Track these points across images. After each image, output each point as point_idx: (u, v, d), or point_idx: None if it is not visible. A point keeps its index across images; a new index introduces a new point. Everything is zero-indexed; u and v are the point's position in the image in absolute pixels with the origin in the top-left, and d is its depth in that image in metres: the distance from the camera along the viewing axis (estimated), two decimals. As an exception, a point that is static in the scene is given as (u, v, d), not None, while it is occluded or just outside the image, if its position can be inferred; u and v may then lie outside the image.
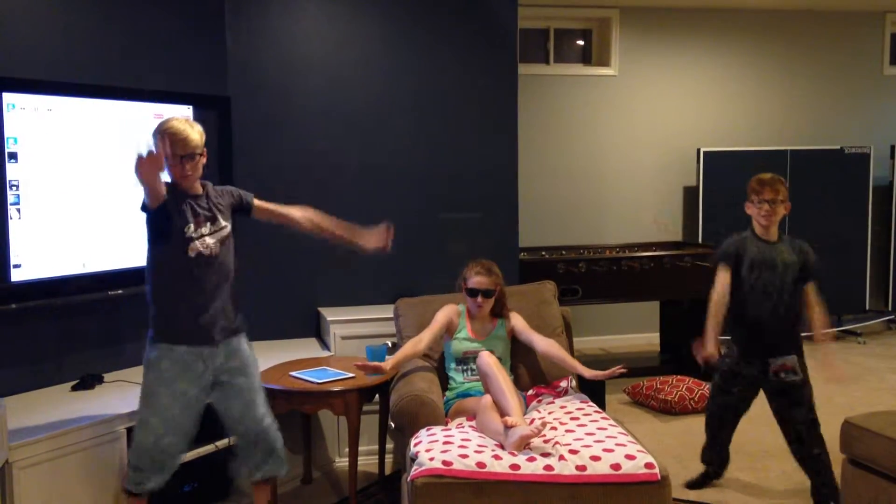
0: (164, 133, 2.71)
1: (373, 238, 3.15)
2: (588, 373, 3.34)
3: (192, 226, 2.77)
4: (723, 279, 3.38)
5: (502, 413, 2.94)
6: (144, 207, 2.70)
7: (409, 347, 3.41)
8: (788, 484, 3.74)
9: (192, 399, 2.81)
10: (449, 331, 3.52)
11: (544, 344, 3.47)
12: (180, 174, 2.78)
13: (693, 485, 3.68)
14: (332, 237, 3.14)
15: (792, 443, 3.43)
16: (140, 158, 2.52)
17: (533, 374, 3.61)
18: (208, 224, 2.82)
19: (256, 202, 3.04)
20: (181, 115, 2.88)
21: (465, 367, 3.46)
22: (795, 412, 3.37)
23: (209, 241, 2.80)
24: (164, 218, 2.73)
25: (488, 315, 3.53)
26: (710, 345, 3.32)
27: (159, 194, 2.65)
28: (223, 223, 2.87)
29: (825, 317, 3.38)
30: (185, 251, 2.75)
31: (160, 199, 2.66)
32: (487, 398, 3.07)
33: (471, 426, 3.04)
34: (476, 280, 3.45)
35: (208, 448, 3.24)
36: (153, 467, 2.77)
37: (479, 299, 3.45)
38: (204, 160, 2.83)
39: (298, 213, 3.13)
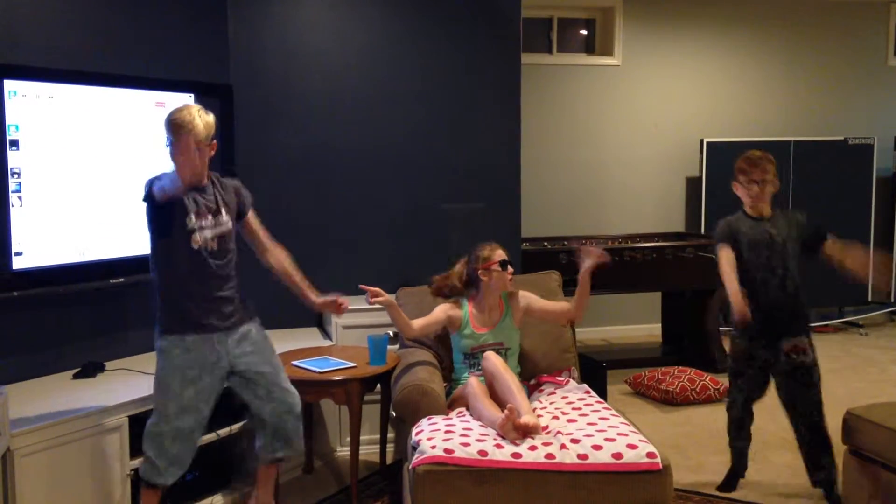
0: (171, 123, 2.69)
1: (324, 305, 3.18)
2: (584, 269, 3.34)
3: (192, 217, 2.76)
4: (727, 255, 3.32)
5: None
6: (148, 199, 2.70)
7: (406, 318, 3.39)
8: (792, 476, 3.73)
9: (206, 386, 2.82)
10: (452, 327, 3.48)
11: (563, 307, 3.48)
12: (182, 164, 2.73)
13: (724, 487, 3.57)
14: (290, 285, 3.11)
15: (801, 425, 3.38)
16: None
17: (534, 364, 3.60)
18: (210, 217, 2.82)
19: (249, 216, 3.02)
20: (194, 104, 2.83)
21: (472, 362, 3.40)
22: (807, 393, 3.33)
23: (208, 234, 2.80)
24: (167, 211, 2.73)
25: (497, 299, 3.46)
26: (739, 301, 3.18)
27: (179, 193, 2.68)
28: (225, 218, 2.86)
29: (861, 250, 3.26)
30: (188, 242, 2.76)
31: (176, 196, 2.69)
32: (472, 382, 3.07)
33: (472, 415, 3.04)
34: (500, 252, 3.42)
35: (209, 437, 3.24)
36: (166, 457, 2.78)
37: (510, 269, 3.42)
38: (212, 152, 2.82)
39: (275, 252, 3.09)
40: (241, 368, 2.92)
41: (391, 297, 3.33)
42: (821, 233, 3.37)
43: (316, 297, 3.13)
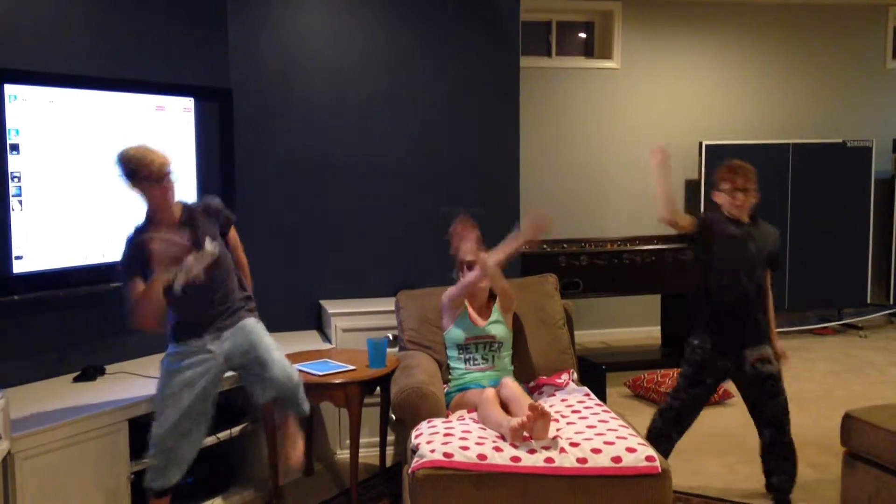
0: (137, 159, 2.73)
1: None
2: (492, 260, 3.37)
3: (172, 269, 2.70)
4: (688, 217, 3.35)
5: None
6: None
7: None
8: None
9: (202, 388, 2.89)
10: (455, 309, 3.55)
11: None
12: (163, 197, 2.80)
13: None
14: None
15: (766, 430, 3.35)
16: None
17: (532, 366, 3.61)
18: (191, 255, 2.75)
19: (231, 233, 3.07)
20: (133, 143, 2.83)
21: (466, 356, 3.48)
22: (774, 401, 3.29)
23: (196, 267, 2.75)
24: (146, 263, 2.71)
25: (486, 300, 3.57)
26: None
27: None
28: (209, 248, 2.81)
29: (772, 310, 3.38)
30: (171, 288, 2.72)
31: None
32: (490, 391, 3.08)
33: (472, 418, 3.05)
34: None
35: (210, 440, 3.24)
36: (170, 459, 2.83)
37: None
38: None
39: (245, 268, 3.18)
40: (237, 362, 2.98)
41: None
42: (775, 260, 3.35)
43: None
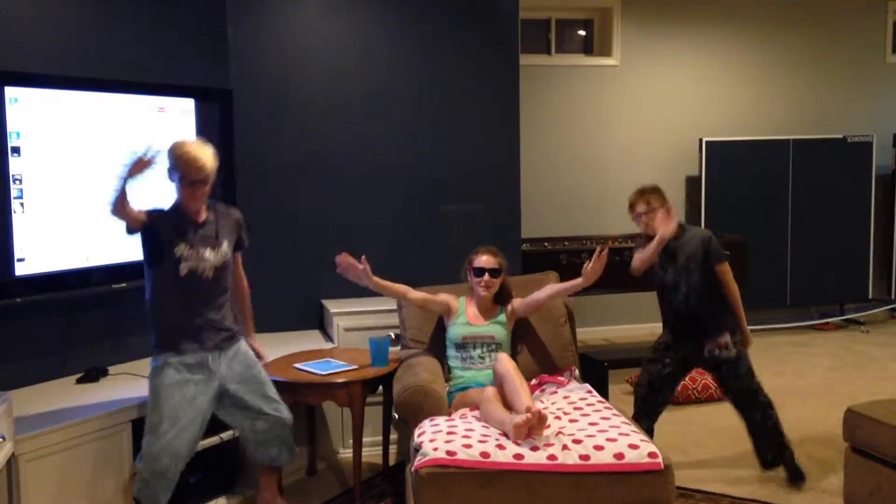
0: (179, 158, 2.78)
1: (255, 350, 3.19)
2: (583, 278, 3.38)
3: (183, 245, 2.83)
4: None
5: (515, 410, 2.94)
6: (129, 231, 2.78)
7: (400, 286, 3.50)
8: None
9: (199, 405, 2.88)
10: (448, 315, 3.56)
11: (544, 293, 3.52)
12: (190, 198, 2.85)
13: None
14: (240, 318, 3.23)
15: (748, 414, 3.58)
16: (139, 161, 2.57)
17: (535, 364, 3.62)
18: (208, 247, 2.89)
19: (237, 258, 3.12)
20: (200, 140, 2.90)
21: (464, 355, 3.45)
22: (733, 384, 3.55)
23: (209, 261, 2.88)
24: (152, 239, 2.81)
25: (491, 301, 3.55)
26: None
27: (135, 221, 2.70)
28: (225, 249, 2.95)
29: (738, 301, 3.55)
30: (177, 270, 2.82)
31: (137, 225, 2.74)
32: (490, 389, 3.08)
33: (474, 416, 3.05)
34: (483, 259, 3.51)
35: (213, 440, 3.25)
36: (160, 474, 2.79)
37: (486, 277, 3.47)
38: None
39: (242, 285, 3.22)
40: (232, 387, 2.98)
41: (363, 267, 3.39)
42: (713, 256, 3.53)
43: (253, 341, 3.21)
